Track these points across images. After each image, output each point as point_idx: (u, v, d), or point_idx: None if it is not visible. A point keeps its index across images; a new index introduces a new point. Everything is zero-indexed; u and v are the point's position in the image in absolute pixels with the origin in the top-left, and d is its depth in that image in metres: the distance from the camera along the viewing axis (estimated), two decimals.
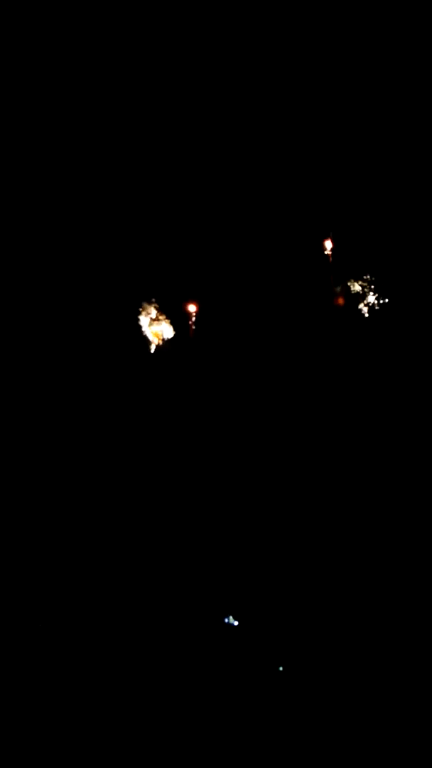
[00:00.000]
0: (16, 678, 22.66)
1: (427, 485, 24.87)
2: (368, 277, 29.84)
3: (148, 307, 34.74)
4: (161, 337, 34.78)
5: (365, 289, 29.73)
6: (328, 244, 30.89)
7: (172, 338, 34.76)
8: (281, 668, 22.51)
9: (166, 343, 34.81)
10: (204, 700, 21.94)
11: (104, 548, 25.68)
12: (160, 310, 34.82)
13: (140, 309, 34.67)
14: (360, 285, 29.96)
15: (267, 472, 26.83)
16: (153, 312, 34.83)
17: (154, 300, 34.56)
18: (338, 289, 30.58)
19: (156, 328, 34.81)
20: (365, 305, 29.55)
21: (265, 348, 30.55)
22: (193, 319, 34.16)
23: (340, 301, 30.01)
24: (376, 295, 29.40)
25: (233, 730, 21.21)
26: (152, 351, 34.67)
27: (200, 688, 22.30)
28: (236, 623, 23.51)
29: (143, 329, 34.63)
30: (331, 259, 30.68)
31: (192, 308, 34.51)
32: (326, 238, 30.85)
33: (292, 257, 31.40)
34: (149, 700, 22.09)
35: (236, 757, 20.61)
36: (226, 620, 23.76)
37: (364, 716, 21.29)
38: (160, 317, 34.77)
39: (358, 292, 29.80)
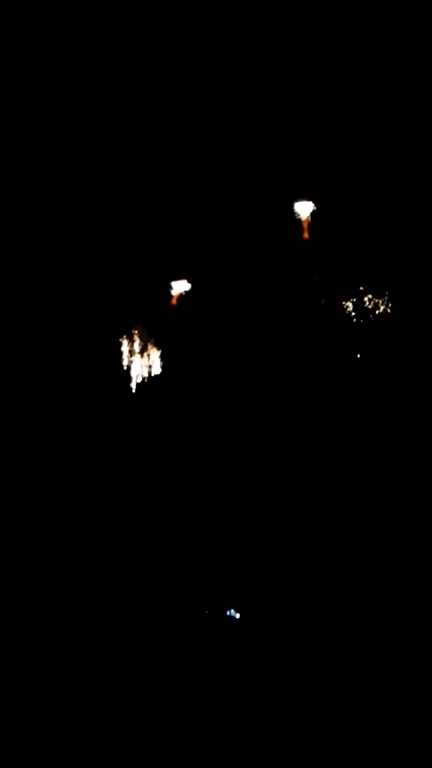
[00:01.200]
0: (15, 674, 22.52)
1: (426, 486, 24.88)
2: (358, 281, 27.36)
3: (130, 334, 28.40)
4: (146, 372, 28.32)
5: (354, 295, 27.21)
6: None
7: (159, 374, 28.41)
8: (282, 661, 22.87)
9: (153, 380, 28.38)
10: (205, 693, 22.15)
11: (105, 543, 25.46)
12: (146, 338, 28.47)
13: (121, 337, 28.33)
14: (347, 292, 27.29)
15: (267, 468, 26.29)
16: (137, 341, 28.41)
17: (138, 326, 28.39)
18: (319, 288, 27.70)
19: (140, 361, 28.40)
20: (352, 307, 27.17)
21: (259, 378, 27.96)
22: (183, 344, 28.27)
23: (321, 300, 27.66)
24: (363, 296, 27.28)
25: (234, 724, 21.14)
26: (133, 390, 28.20)
27: (201, 681, 22.60)
28: (238, 616, 24.05)
29: (124, 362, 28.22)
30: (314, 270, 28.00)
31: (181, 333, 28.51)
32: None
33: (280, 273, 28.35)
34: (150, 691, 22.20)
35: (237, 752, 20.39)
36: (228, 613, 24.12)
37: (365, 713, 21.33)
38: (149, 347, 28.34)
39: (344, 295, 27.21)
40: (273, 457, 26.36)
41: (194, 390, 27.98)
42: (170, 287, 27.87)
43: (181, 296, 27.93)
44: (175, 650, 23.24)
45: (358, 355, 26.81)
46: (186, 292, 27.96)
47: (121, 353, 27.54)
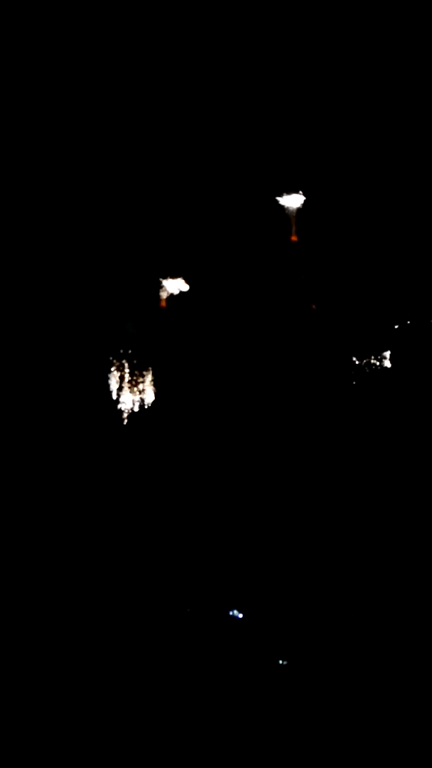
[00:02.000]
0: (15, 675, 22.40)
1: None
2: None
3: (119, 364, 27.31)
4: (137, 404, 27.20)
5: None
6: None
7: (152, 405, 27.28)
8: (282, 662, 23.24)
9: (145, 412, 27.24)
10: (207, 693, 22.28)
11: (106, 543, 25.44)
12: (136, 368, 27.40)
13: (111, 368, 27.26)
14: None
15: (268, 468, 26.18)
16: (127, 371, 27.32)
17: (127, 354, 27.34)
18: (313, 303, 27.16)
19: (130, 394, 27.30)
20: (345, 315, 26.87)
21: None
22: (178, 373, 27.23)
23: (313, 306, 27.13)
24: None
25: (235, 724, 21.26)
26: (125, 422, 27.02)
27: (203, 681, 22.65)
28: (240, 616, 24.13)
29: (113, 394, 27.08)
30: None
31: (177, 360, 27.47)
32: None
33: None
34: (151, 692, 22.23)
35: (238, 751, 20.56)
36: (231, 613, 24.14)
37: (365, 713, 21.52)
38: (139, 378, 27.24)
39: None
40: (272, 458, 25.83)
41: (190, 397, 26.93)
42: (161, 287, 27.07)
43: (170, 297, 27.10)
44: (177, 650, 23.35)
45: (353, 358, 26.14)
46: (175, 292, 27.12)
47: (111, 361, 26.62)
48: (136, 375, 26.28)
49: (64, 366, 26.12)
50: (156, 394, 26.49)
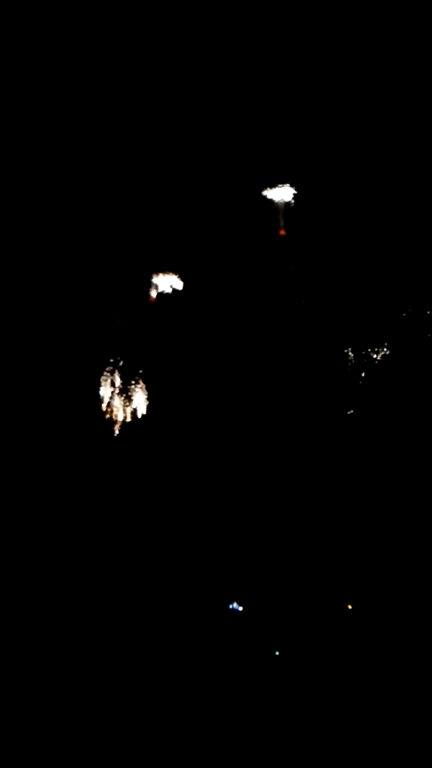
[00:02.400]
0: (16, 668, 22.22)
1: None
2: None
3: (111, 372, 26.04)
4: (129, 413, 25.89)
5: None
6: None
7: (145, 414, 25.98)
8: (278, 653, 23.54)
9: (137, 422, 25.93)
10: (207, 687, 22.34)
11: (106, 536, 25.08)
12: (128, 376, 26.13)
13: (103, 375, 25.99)
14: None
15: (267, 462, 25.82)
16: (117, 380, 26.05)
17: (119, 361, 26.06)
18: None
19: (122, 402, 25.99)
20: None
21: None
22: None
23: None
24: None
25: (234, 718, 21.34)
26: (116, 433, 25.70)
27: (203, 674, 22.76)
28: (240, 609, 24.24)
29: (104, 403, 25.81)
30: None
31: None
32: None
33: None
34: (151, 685, 22.23)
35: (238, 745, 20.50)
36: (231, 606, 24.21)
37: (364, 708, 21.48)
38: (130, 386, 25.95)
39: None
40: (269, 453, 25.43)
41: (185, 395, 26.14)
42: (151, 283, 26.22)
43: (161, 293, 26.19)
44: (178, 644, 23.28)
45: (349, 351, 25.61)
46: (167, 289, 26.28)
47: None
48: (129, 379, 25.27)
49: (56, 359, 25.39)
50: (149, 389, 25.69)
